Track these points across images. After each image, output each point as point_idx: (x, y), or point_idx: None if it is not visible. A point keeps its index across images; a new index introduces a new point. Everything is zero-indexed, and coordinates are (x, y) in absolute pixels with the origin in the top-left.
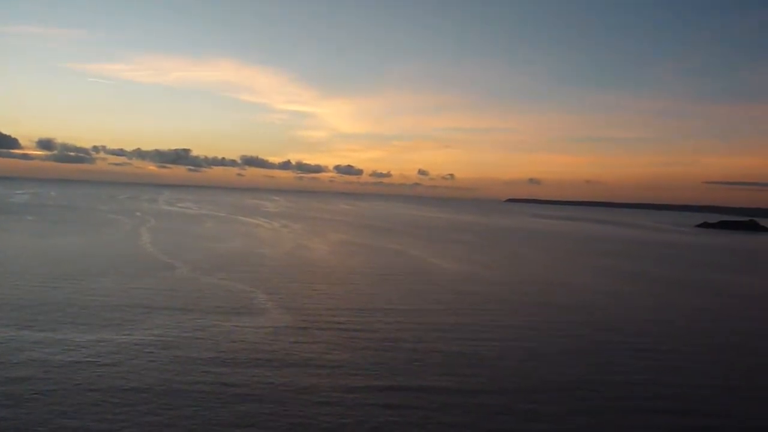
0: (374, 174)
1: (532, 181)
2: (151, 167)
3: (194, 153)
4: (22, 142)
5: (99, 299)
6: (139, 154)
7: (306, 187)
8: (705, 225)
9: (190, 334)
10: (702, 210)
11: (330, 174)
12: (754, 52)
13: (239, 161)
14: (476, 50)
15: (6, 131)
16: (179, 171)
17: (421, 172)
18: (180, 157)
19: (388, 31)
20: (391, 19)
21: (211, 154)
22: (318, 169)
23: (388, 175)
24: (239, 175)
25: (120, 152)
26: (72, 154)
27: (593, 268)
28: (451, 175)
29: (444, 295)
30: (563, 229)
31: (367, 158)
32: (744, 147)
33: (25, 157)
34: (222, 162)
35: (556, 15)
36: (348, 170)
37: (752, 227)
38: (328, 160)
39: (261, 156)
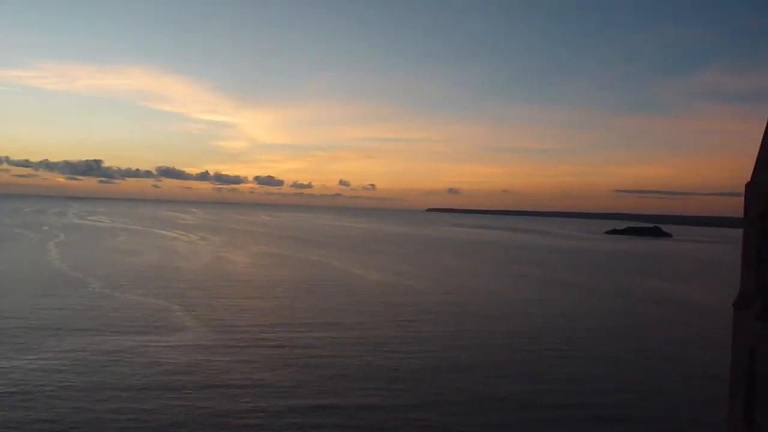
0: (295, 185)
1: (452, 190)
2: (60, 179)
3: (106, 164)
4: None
5: (2, 320)
6: (47, 165)
7: (225, 199)
8: (613, 231)
9: (105, 357)
10: (612, 217)
11: (250, 185)
12: (662, 68)
13: (155, 172)
14: (399, 61)
15: None
16: (90, 183)
17: (343, 183)
18: (91, 168)
19: (310, 40)
20: (314, 28)
21: (124, 165)
22: (237, 180)
23: (310, 185)
24: (155, 186)
25: (25, 163)
26: None
27: (512, 276)
28: (372, 185)
29: (367, 306)
30: (482, 238)
31: (287, 169)
32: (651, 157)
33: None
34: (136, 173)
35: (478, 29)
36: (268, 181)
37: (656, 233)
38: (248, 171)
39: (178, 167)
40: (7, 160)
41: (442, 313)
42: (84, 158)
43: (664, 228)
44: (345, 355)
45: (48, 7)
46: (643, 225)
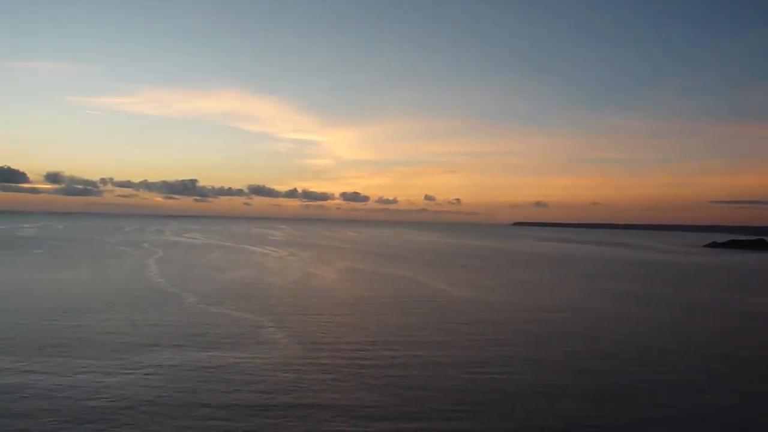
0: (380, 200)
1: (539, 204)
2: (158, 198)
3: (201, 183)
4: (30, 176)
5: (106, 333)
6: (146, 185)
7: (312, 215)
8: (714, 245)
9: (200, 373)
10: (709, 230)
11: (336, 201)
12: (759, 72)
13: (246, 190)
14: (478, 74)
15: (15, 166)
16: (186, 201)
17: (428, 198)
18: (187, 187)
19: (390, 57)
20: (393, 45)
21: (217, 184)
22: (324, 196)
23: (394, 201)
24: (246, 204)
25: (127, 184)
26: (79, 186)
27: (602, 291)
28: (458, 199)
29: (453, 323)
30: (570, 252)
31: (372, 185)
32: (749, 166)
33: (34, 191)
34: (228, 191)
35: (558, 37)
36: (354, 197)
37: (761, 245)
38: (334, 188)
39: (267, 185)
40: (111, 181)
41: (530, 331)
42: (180, 178)
43: None
44: (433, 375)
45: (143, 37)
46: (746, 237)
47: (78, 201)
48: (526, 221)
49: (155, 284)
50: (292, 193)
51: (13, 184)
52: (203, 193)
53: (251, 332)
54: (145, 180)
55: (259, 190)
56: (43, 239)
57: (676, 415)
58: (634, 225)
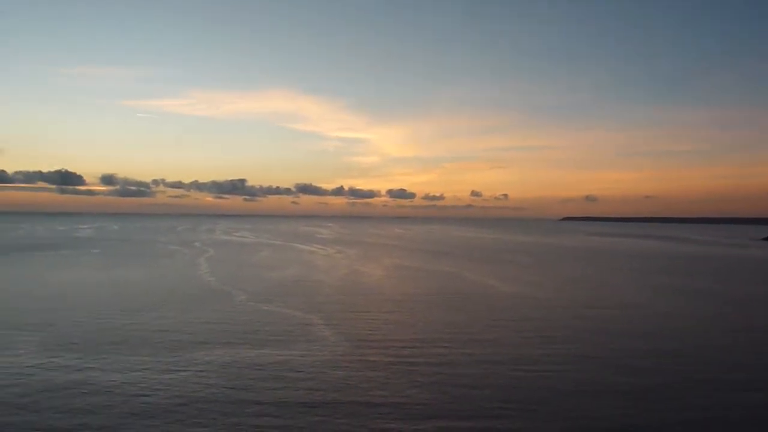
0: (427, 197)
1: (589, 198)
2: (209, 198)
3: (249, 183)
4: (86, 178)
5: (159, 331)
6: (197, 185)
7: (359, 213)
8: None
9: (251, 370)
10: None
11: (383, 199)
12: None
13: (293, 189)
14: (525, 69)
15: (72, 169)
16: (235, 201)
17: (474, 193)
18: (236, 187)
19: (434, 54)
20: (439, 42)
21: (266, 183)
22: (371, 194)
23: (441, 197)
24: (293, 202)
25: (178, 185)
26: (133, 188)
27: (654, 287)
28: (505, 195)
29: (501, 320)
30: (622, 247)
31: (419, 181)
32: None
33: (90, 192)
34: (276, 190)
35: (606, 28)
36: (401, 194)
37: None
38: (381, 185)
39: (314, 183)
40: (163, 182)
41: (580, 328)
42: (229, 178)
43: None
44: (481, 373)
45: (192, 41)
46: None
47: (132, 202)
48: (575, 216)
49: (206, 282)
50: (339, 191)
51: (70, 187)
52: (252, 192)
53: (300, 329)
54: (196, 180)
55: (306, 189)
56: (100, 239)
57: (730, 417)
58: (688, 218)
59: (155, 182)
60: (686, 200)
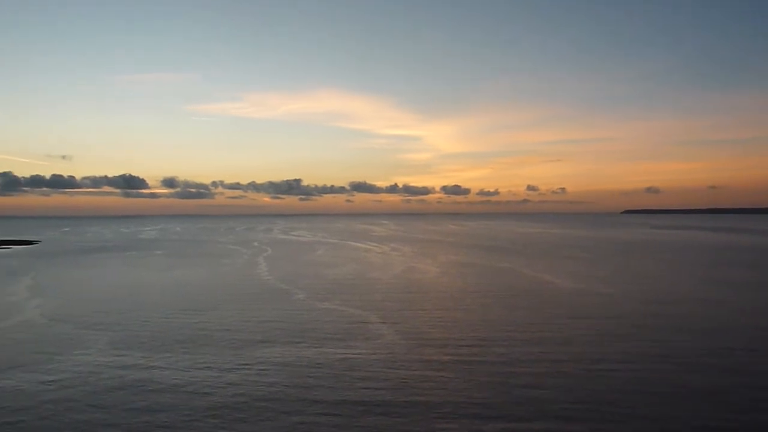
0: (481, 192)
1: (650, 190)
2: (265, 198)
3: (305, 182)
4: (149, 182)
5: (221, 330)
6: (254, 186)
7: (413, 210)
8: None
9: (310, 368)
10: None
11: (437, 195)
12: None
13: (348, 187)
14: (579, 59)
15: (135, 173)
16: (291, 200)
17: (530, 188)
18: (292, 187)
19: (483, 47)
20: (489, 35)
21: (320, 183)
22: (425, 191)
23: (496, 192)
24: (348, 201)
25: (236, 186)
26: (193, 190)
27: (723, 281)
28: (562, 188)
29: (563, 317)
30: (687, 240)
31: (473, 177)
32: None
33: (153, 195)
34: (331, 189)
35: (663, 16)
36: (455, 190)
37: None
38: (435, 182)
39: (368, 181)
40: (221, 184)
41: (647, 325)
42: (285, 178)
43: None
44: (544, 373)
45: (246, 45)
46: None
47: (192, 203)
48: (636, 209)
49: (265, 281)
50: (392, 189)
51: (134, 190)
52: (307, 191)
53: (358, 327)
54: (253, 181)
55: (360, 187)
56: (163, 240)
57: None
58: (755, 209)
59: (214, 184)
60: (753, 190)
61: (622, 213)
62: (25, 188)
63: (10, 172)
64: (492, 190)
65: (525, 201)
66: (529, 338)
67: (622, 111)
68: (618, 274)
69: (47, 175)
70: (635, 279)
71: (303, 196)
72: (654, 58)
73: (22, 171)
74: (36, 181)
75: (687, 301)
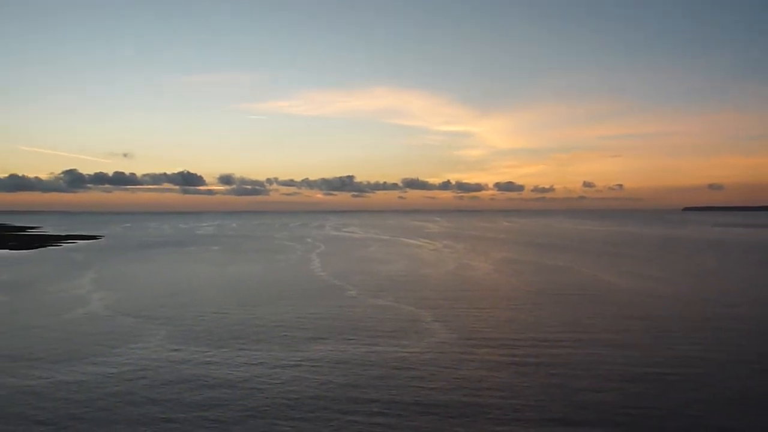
0: (536, 189)
1: (713, 186)
2: (319, 195)
3: (357, 179)
4: (206, 179)
5: (275, 326)
6: (308, 183)
7: (466, 206)
8: None
9: (362, 363)
10: None
11: (490, 192)
12: None
13: (400, 184)
14: (637, 52)
15: (193, 170)
16: (344, 197)
17: (587, 184)
18: (345, 183)
19: (539, 41)
20: (541, 29)
21: (373, 179)
22: (478, 187)
23: (551, 189)
24: (400, 197)
25: (290, 183)
26: (248, 187)
27: None
28: (620, 185)
29: (621, 318)
30: (752, 239)
31: (527, 173)
32: None
33: (210, 192)
34: (384, 186)
35: (724, 10)
36: (509, 187)
37: None
38: (488, 178)
39: (421, 178)
40: (276, 180)
41: (710, 327)
42: (338, 175)
43: None
44: (601, 376)
45: (298, 44)
46: None
47: (248, 200)
48: (698, 206)
49: (318, 277)
50: (445, 185)
51: (192, 187)
52: (360, 188)
53: (411, 325)
54: (307, 178)
55: (413, 184)
56: (219, 236)
57: None
58: None
59: (269, 181)
60: None
61: (682, 210)
62: (89, 185)
63: (75, 169)
64: (547, 186)
65: (581, 197)
66: (585, 339)
67: (684, 105)
68: (679, 273)
69: (110, 172)
70: (697, 279)
71: (356, 193)
72: (718, 51)
73: (87, 168)
74: (99, 178)
75: (753, 303)
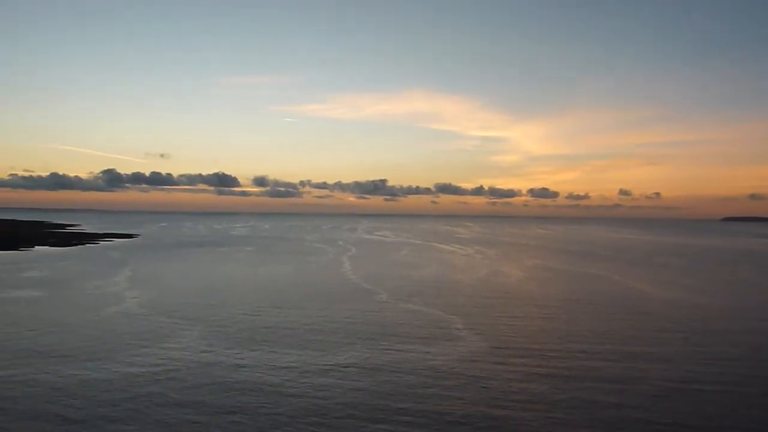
0: (570, 196)
1: (754, 197)
2: (351, 198)
3: (390, 183)
4: (241, 180)
5: (306, 329)
6: (340, 186)
7: (499, 212)
8: None
9: (391, 368)
10: None
11: (524, 198)
12: None
13: (433, 189)
14: (676, 58)
15: (227, 172)
16: (376, 201)
17: (623, 192)
18: (377, 187)
19: (573, 48)
20: (579, 35)
21: (406, 183)
22: (511, 193)
23: (586, 196)
24: (433, 202)
25: (323, 185)
26: (282, 189)
27: None
28: (657, 193)
29: (657, 330)
30: None
31: (561, 180)
32: None
33: (244, 193)
34: (416, 190)
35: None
36: (542, 193)
37: None
38: (521, 184)
39: (454, 183)
40: (309, 183)
41: (750, 343)
42: (371, 178)
43: None
44: (635, 392)
45: (334, 48)
46: None
47: (281, 202)
48: (738, 216)
49: (349, 280)
50: (478, 191)
51: (226, 188)
52: (392, 192)
53: (441, 332)
54: (340, 181)
55: (445, 188)
56: (253, 237)
57: None
58: None
59: (302, 183)
60: None
61: (721, 220)
62: (126, 185)
63: (113, 169)
64: (582, 193)
65: (617, 206)
66: (619, 352)
67: (726, 112)
68: (717, 285)
69: (147, 172)
70: (737, 291)
71: (388, 197)
72: (762, 58)
73: (124, 168)
74: (136, 178)
75: None
